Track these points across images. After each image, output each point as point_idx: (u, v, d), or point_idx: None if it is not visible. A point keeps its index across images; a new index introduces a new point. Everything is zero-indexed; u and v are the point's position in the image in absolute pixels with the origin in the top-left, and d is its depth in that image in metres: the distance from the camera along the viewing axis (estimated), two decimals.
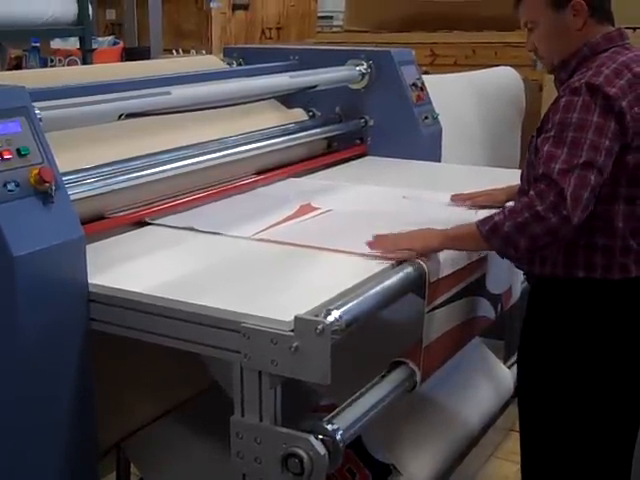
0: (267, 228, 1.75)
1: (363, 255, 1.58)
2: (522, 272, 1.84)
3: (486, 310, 1.79)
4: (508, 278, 1.88)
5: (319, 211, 1.90)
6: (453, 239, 1.57)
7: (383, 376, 1.53)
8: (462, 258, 1.63)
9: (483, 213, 1.83)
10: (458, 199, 1.96)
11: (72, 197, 1.47)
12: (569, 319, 1.63)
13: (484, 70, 4.09)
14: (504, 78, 4.07)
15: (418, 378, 1.53)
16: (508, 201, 1.83)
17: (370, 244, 1.58)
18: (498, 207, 1.73)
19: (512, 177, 2.39)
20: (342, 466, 1.47)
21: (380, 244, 1.58)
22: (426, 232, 1.60)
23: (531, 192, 1.51)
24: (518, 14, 1.74)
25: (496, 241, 1.52)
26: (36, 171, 1.36)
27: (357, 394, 1.45)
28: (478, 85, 3.83)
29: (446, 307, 1.58)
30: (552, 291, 1.65)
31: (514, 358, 2.16)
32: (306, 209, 1.92)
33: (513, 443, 2.16)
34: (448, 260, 1.58)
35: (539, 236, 1.48)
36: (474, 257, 1.68)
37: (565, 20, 1.65)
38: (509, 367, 2.12)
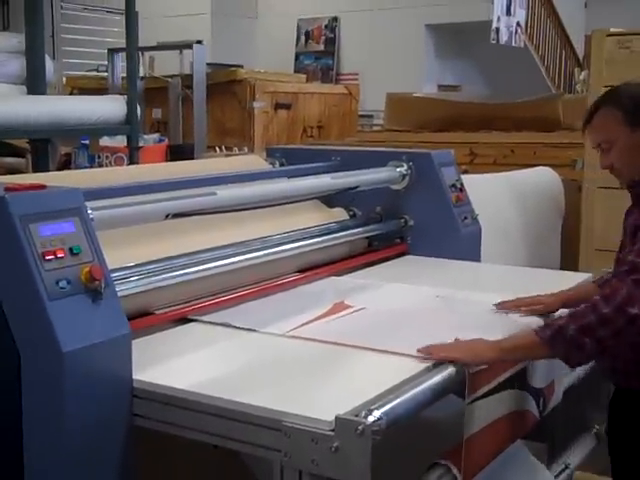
0: (301, 325, 1.78)
1: (402, 354, 1.59)
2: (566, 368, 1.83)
3: (529, 404, 1.78)
4: (551, 372, 1.86)
5: (352, 309, 1.93)
6: (508, 351, 1.55)
7: (423, 477, 1.51)
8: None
9: (518, 317, 1.84)
10: (504, 307, 1.91)
11: (119, 294, 1.51)
12: None
13: (523, 170, 4.14)
14: (543, 178, 4.11)
15: None
16: (563, 307, 1.82)
17: (420, 351, 1.57)
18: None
19: (551, 278, 2.41)
20: None
21: (430, 352, 1.56)
22: (479, 344, 1.58)
23: (596, 296, 1.51)
24: (587, 135, 1.76)
25: (560, 347, 1.50)
26: (87, 269, 1.41)
27: None
28: (517, 185, 3.87)
29: (487, 399, 1.57)
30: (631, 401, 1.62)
31: (558, 462, 2.13)
32: (340, 307, 1.94)
33: None
34: None
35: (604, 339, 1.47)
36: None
37: None
38: (552, 471, 2.08)
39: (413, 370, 1.51)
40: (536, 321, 1.79)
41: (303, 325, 1.78)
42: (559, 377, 1.92)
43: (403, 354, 1.59)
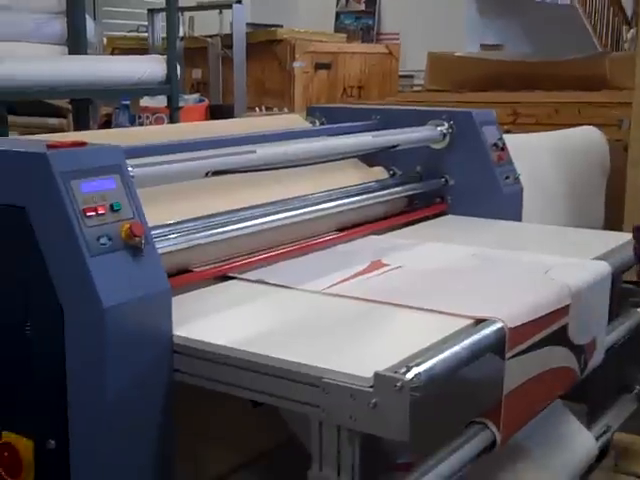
0: (337, 283, 1.78)
1: (440, 312, 1.58)
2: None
3: (569, 361, 1.76)
4: (592, 329, 1.85)
5: (389, 267, 1.92)
6: None
7: (462, 436, 1.52)
8: (543, 306, 1.62)
9: (555, 273, 1.82)
10: None
11: (159, 251, 1.52)
12: None
13: (567, 130, 4.07)
14: (588, 138, 4.05)
15: (498, 438, 1.52)
16: None
17: None
18: None
19: (595, 238, 2.38)
20: None
21: None
22: None
23: None
24: None
25: None
26: (127, 226, 1.42)
27: (436, 454, 1.44)
28: (561, 145, 3.82)
29: (527, 355, 1.56)
30: None
31: (598, 423, 2.11)
32: (377, 265, 1.94)
33: None
34: (529, 309, 1.57)
35: None
36: (556, 305, 1.66)
37: None
38: (592, 432, 2.07)
39: (452, 328, 1.50)
40: (575, 281, 1.77)
41: (339, 283, 1.78)
42: (600, 334, 1.89)
43: (442, 312, 1.58)
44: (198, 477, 1.78)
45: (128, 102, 5.01)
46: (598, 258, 1.97)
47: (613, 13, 9.57)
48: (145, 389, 1.42)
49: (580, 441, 2.02)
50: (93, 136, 1.75)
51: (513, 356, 1.50)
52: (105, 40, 6.27)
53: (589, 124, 4.21)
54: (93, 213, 1.39)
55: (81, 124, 4.12)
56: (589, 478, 2.09)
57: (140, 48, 6.14)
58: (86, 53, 4.08)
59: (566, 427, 2.02)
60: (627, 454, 2.36)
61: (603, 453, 2.15)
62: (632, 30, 8.19)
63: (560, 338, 1.71)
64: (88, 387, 1.38)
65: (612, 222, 3.72)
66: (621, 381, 2.26)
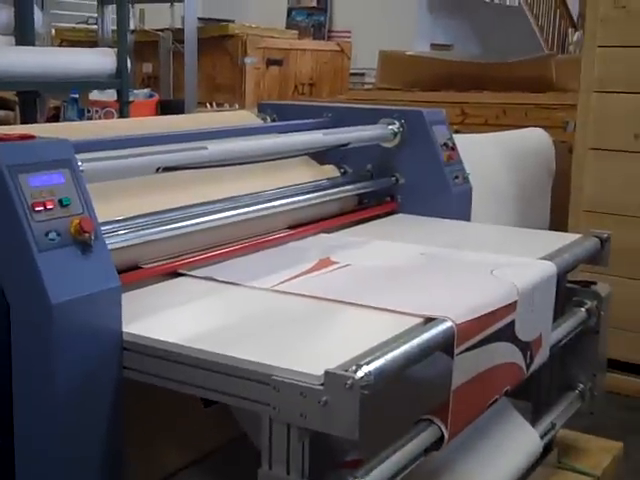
0: (286, 280, 1.79)
1: (390, 311, 1.59)
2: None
3: (516, 357, 1.79)
4: (538, 326, 1.88)
5: (338, 265, 1.94)
6: None
7: (409, 433, 1.53)
8: (490, 305, 1.64)
9: (502, 272, 1.85)
10: None
11: (109, 247, 1.51)
12: None
13: (514, 131, 4.14)
14: (534, 139, 4.11)
15: (445, 435, 1.54)
16: None
17: None
18: None
19: (539, 238, 2.42)
20: None
21: None
22: None
23: None
24: None
25: None
26: (77, 221, 1.40)
27: (384, 451, 1.45)
28: (508, 145, 3.87)
29: (474, 351, 1.58)
30: None
31: (542, 420, 2.15)
32: (325, 263, 1.95)
33: None
34: (477, 308, 1.59)
35: None
36: (503, 302, 1.69)
37: None
38: (537, 429, 2.10)
39: (402, 327, 1.52)
40: (522, 280, 1.80)
41: (288, 280, 1.79)
42: (546, 331, 1.93)
43: (391, 310, 1.60)
44: (148, 475, 1.77)
45: (77, 95, 4.96)
46: (544, 258, 2.01)
47: (560, 15, 9.73)
48: (94, 386, 1.41)
49: (525, 438, 2.05)
50: (41, 129, 1.72)
51: (461, 352, 1.52)
52: (53, 31, 6.18)
53: (536, 125, 4.28)
54: (41, 208, 1.37)
55: (28, 117, 4.06)
56: (533, 474, 2.12)
57: (89, 40, 6.06)
58: (34, 44, 4.03)
59: (511, 424, 2.05)
60: (570, 451, 2.41)
61: (547, 450, 2.19)
62: (577, 33, 8.33)
63: (507, 335, 1.73)
64: (35, 384, 1.36)
65: (557, 223, 3.79)
66: (565, 379, 2.30)
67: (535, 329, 1.87)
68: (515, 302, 1.73)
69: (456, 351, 1.51)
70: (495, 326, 1.67)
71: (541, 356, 1.93)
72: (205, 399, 1.85)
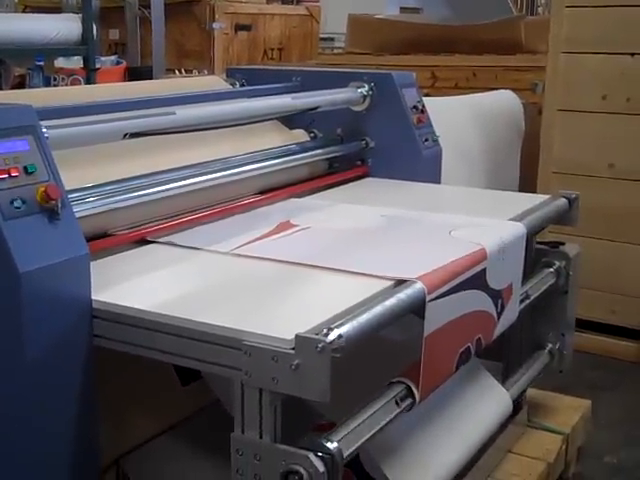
0: (245, 244, 1.79)
1: (359, 274, 1.60)
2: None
3: (487, 305, 1.80)
4: (509, 274, 1.89)
5: (297, 228, 1.94)
6: None
7: (381, 395, 1.54)
8: (460, 266, 1.65)
9: (460, 233, 1.87)
10: None
11: (77, 215, 1.49)
12: None
13: (484, 93, 4.14)
14: (504, 101, 4.12)
15: (417, 396, 1.55)
16: None
17: None
18: None
19: (510, 200, 2.43)
20: None
21: None
22: None
23: None
24: None
25: None
26: (43, 188, 1.38)
27: (356, 412, 1.46)
28: (478, 108, 3.88)
29: (446, 299, 1.59)
30: None
31: (513, 379, 2.18)
32: (285, 226, 1.96)
33: (510, 465, 2.17)
34: (447, 270, 1.61)
35: None
36: (472, 266, 1.70)
37: None
38: (506, 388, 2.13)
39: (372, 290, 1.52)
40: (490, 241, 1.81)
41: (248, 244, 1.79)
42: (516, 282, 1.94)
43: (361, 274, 1.60)
44: (121, 443, 1.77)
45: (42, 63, 4.87)
46: (513, 219, 2.02)
47: None
48: (64, 354, 1.40)
49: (495, 397, 2.08)
50: (4, 96, 1.70)
51: (432, 300, 1.53)
52: None
53: (505, 88, 4.28)
54: (6, 175, 1.36)
55: None
56: (504, 433, 2.16)
57: (53, 7, 5.94)
58: None
59: (481, 384, 2.07)
60: (540, 410, 2.44)
61: (517, 409, 2.22)
62: None
63: (478, 283, 1.74)
64: (5, 354, 1.35)
65: (526, 184, 3.81)
66: (535, 339, 2.33)
67: (505, 277, 1.88)
68: (485, 268, 1.74)
69: (427, 298, 1.51)
70: (466, 274, 1.68)
71: (511, 308, 1.93)
72: (182, 377, 1.87)
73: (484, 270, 1.75)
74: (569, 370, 2.37)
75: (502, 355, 2.30)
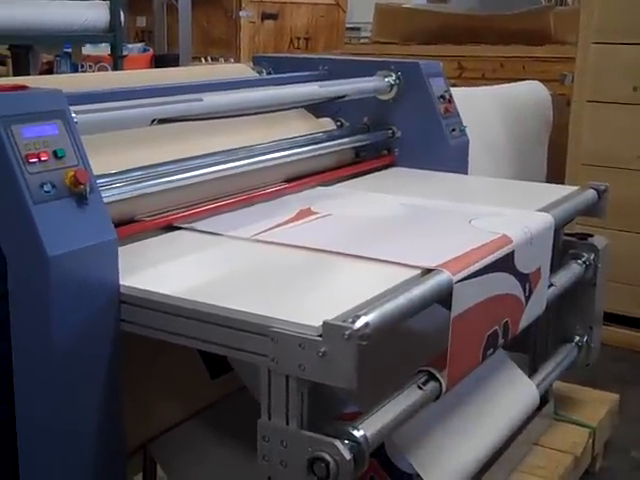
0: (265, 230, 1.79)
1: (386, 262, 1.59)
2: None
3: (515, 288, 1.78)
4: (537, 258, 1.87)
5: (317, 215, 1.94)
6: None
7: (408, 384, 1.53)
8: (487, 256, 1.64)
9: (480, 223, 1.85)
10: None
11: (104, 200, 1.49)
12: None
13: (512, 84, 4.10)
14: (532, 92, 4.08)
15: (443, 385, 1.54)
16: None
17: None
18: None
19: (538, 191, 2.41)
20: (365, 474, 1.47)
21: None
22: None
23: None
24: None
25: None
26: (72, 173, 1.39)
27: (383, 402, 1.46)
28: (505, 99, 3.84)
29: (473, 280, 1.57)
30: None
31: (540, 371, 2.16)
32: (305, 213, 1.95)
33: (536, 457, 2.15)
34: (474, 260, 1.59)
35: None
36: (494, 237, 1.69)
37: None
38: (533, 381, 2.11)
39: (399, 278, 1.51)
40: (504, 227, 1.79)
41: (269, 230, 1.79)
42: (545, 265, 1.92)
43: (387, 261, 1.59)
44: (148, 428, 1.78)
45: (70, 50, 4.89)
46: (541, 210, 2.00)
47: None
48: (92, 339, 1.41)
49: (522, 389, 2.06)
50: (35, 81, 1.70)
51: (459, 281, 1.52)
52: None
53: (533, 78, 4.24)
54: (36, 159, 1.36)
55: (21, 71, 4.03)
56: (530, 425, 2.14)
57: None
58: None
59: (508, 376, 2.06)
60: (567, 403, 2.43)
61: (544, 401, 2.20)
62: None
63: (506, 265, 1.72)
64: (33, 338, 1.36)
65: (554, 176, 3.77)
66: (562, 332, 2.31)
67: (534, 260, 1.86)
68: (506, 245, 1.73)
69: (454, 279, 1.50)
70: (493, 256, 1.66)
71: (539, 293, 1.90)
72: (212, 370, 1.87)
73: (512, 253, 1.73)
74: (596, 363, 2.35)
75: (528, 347, 2.28)
